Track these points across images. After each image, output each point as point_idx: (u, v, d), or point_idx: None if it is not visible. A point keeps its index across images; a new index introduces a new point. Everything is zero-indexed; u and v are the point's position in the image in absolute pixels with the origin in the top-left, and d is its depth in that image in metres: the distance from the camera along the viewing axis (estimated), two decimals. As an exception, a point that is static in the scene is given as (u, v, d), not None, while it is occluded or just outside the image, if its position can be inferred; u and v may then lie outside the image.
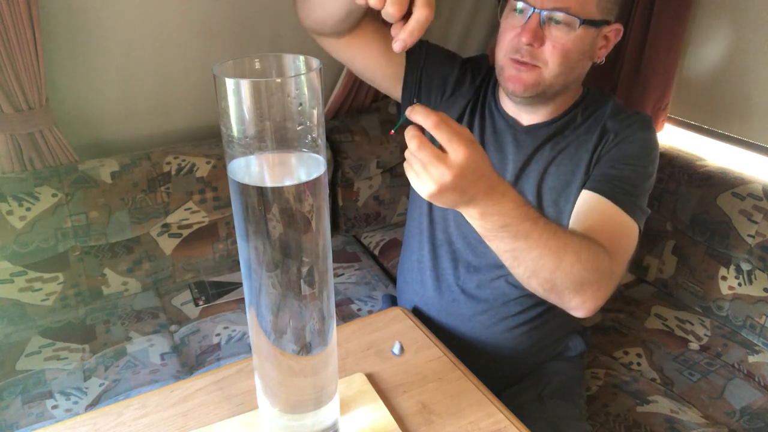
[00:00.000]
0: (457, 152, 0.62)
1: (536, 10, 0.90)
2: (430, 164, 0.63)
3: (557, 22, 0.90)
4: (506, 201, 0.69)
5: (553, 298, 0.80)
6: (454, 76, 1.09)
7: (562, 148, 1.01)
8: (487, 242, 0.74)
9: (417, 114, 0.63)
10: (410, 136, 0.63)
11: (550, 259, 0.74)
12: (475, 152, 0.64)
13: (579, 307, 0.81)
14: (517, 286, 1.05)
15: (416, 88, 1.09)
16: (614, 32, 0.97)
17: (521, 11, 0.93)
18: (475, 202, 0.68)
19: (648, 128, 0.99)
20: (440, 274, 1.10)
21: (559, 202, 1.00)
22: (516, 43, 0.93)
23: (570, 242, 0.76)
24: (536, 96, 0.96)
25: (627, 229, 0.89)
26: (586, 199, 0.94)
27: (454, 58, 1.11)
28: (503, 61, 0.97)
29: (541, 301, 1.07)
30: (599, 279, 0.79)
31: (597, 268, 0.78)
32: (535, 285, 0.78)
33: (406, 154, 0.65)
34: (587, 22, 0.90)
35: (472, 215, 0.70)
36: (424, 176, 0.64)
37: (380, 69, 1.07)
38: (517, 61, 0.94)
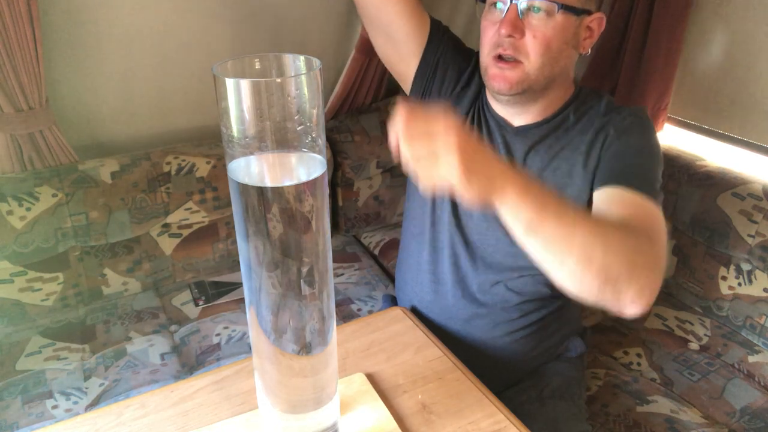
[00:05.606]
0: (443, 119, 0.58)
1: (514, 1, 0.90)
2: (430, 127, 0.57)
3: (537, 11, 0.90)
4: (529, 179, 0.63)
5: (608, 294, 0.69)
6: (469, 69, 1.09)
7: (556, 152, 0.98)
8: (527, 239, 0.65)
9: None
10: (398, 115, 0.59)
11: (597, 240, 0.65)
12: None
13: (636, 299, 0.69)
14: (516, 291, 1.04)
15: (431, 72, 1.08)
16: (597, 22, 0.96)
17: (499, 6, 0.93)
18: (506, 176, 0.61)
19: (643, 116, 0.97)
20: (439, 276, 1.10)
21: None
22: (497, 37, 0.93)
23: (603, 220, 0.71)
24: (522, 93, 0.95)
25: (654, 212, 0.82)
26: (602, 196, 0.88)
27: (471, 52, 1.11)
28: (486, 61, 0.96)
29: (541, 307, 1.06)
30: (647, 261, 0.70)
31: (641, 249, 0.70)
32: (589, 280, 0.67)
33: (405, 158, 0.59)
34: (565, 8, 0.90)
35: (511, 200, 0.62)
36: (439, 151, 0.57)
37: (403, 30, 1.05)
38: (500, 59, 0.93)
